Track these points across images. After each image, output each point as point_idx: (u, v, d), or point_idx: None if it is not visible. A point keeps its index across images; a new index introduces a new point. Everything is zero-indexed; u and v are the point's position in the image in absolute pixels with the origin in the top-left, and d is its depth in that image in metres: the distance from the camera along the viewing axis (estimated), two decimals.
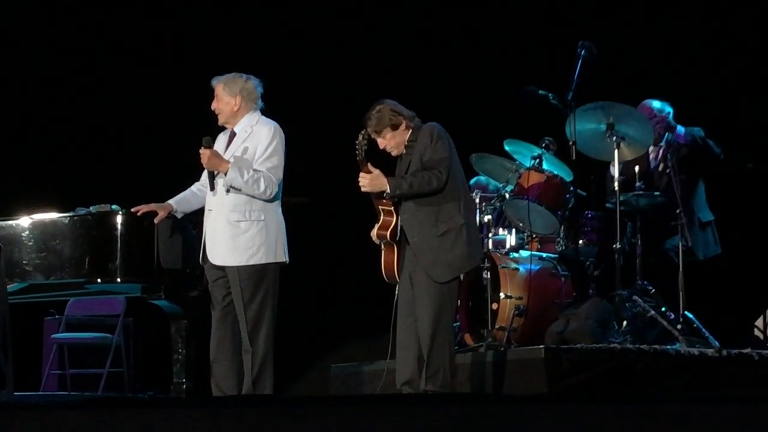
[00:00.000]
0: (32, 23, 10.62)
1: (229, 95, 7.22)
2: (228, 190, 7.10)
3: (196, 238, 7.40)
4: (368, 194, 6.99)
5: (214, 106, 7.27)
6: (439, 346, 6.82)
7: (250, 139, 7.18)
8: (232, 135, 7.25)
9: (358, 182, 6.94)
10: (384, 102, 7.03)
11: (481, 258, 7.69)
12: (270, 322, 7.11)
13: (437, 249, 6.85)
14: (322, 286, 9.93)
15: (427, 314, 6.83)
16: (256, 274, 7.08)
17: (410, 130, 7.01)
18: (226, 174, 7.06)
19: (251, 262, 7.08)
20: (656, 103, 8.55)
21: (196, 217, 7.43)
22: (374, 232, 7.00)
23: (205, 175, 7.32)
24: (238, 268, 7.07)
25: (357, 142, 6.92)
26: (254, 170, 7.09)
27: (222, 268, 7.14)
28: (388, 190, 6.88)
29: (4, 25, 10.52)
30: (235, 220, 7.10)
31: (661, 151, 8.52)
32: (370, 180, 6.90)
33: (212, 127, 7.37)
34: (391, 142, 7.01)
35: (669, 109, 8.56)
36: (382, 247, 7.02)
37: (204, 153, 7.11)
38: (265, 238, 7.12)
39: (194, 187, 7.42)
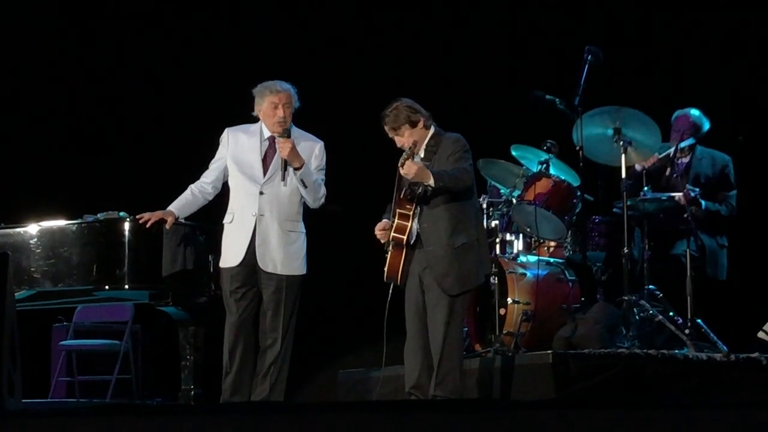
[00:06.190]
0: (35, 28, 10.64)
1: (295, 104, 7.24)
2: (298, 185, 7.10)
3: (203, 244, 7.39)
4: (397, 190, 6.94)
5: (287, 113, 7.18)
6: (450, 352, 6.84)
7: (301, 151, 7.15)
8: (272, 141, 7.21)
9: (401, 167, 6.78)
10: (401, 100, 7.01)
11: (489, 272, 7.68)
12: (294, 330, 7.23)
13: (452, 261, 6.85)
14: (330, 292, 9.92)
15: (439, 321, 6.85)
16: (297, 283, 7.21)
17: (429, 131, 7.00)
18: (299, 168, 7.07)
19: (297, 273, 7.20)
20: (695, 112, 8.56)
21: (205, 224, 7.44)
22: (390, 234, 6.96)
23: (212, 174, 7.32)
24: (287, 277, 7.15)
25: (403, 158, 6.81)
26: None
27: (256, 273, 7.13)
28: (432, 183, 6.76)
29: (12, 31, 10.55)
30: (288, 230, 7.18)
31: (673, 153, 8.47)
32: (418, 168, 6.75)
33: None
34: (409, 140, 6.95)
35: (706, 126, 8.55)
36: (390, 248, 7.01)
37: (287, 143, 7.07)
38: (304, 249, 7.25)
39: (195, 189, 7.39)
